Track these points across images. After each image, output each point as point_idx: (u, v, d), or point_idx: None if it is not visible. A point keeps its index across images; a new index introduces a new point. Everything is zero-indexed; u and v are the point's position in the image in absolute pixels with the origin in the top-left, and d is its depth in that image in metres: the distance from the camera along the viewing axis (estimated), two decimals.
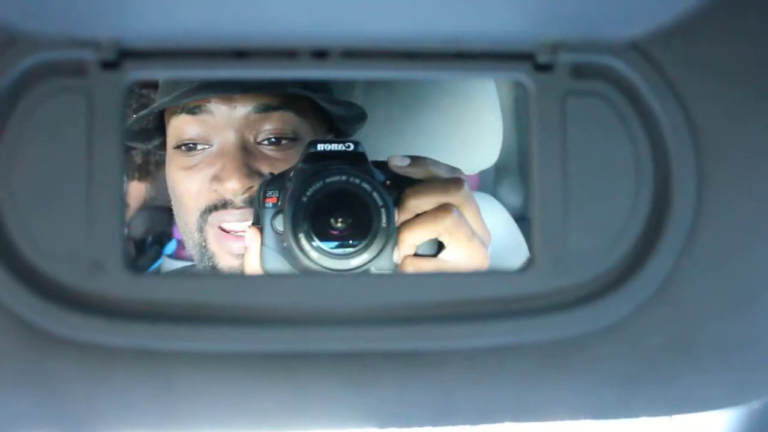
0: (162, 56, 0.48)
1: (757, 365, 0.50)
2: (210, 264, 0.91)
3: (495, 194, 1.66)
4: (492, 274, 0.58)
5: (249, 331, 0.47)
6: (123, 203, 0.48)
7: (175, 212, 0.97)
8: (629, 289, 0.48)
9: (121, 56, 0.47)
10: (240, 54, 0.47)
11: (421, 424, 0.49)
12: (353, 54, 0.47)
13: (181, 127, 0.91)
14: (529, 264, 0.48)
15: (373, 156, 0.72)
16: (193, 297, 0.47)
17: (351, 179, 0.67)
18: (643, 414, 0.50)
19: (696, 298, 0.49)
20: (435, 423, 0.49)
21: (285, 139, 0.90)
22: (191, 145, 0.90)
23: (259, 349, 0.47)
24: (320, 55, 0.47)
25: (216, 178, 0.88)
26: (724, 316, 0.49)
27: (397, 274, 0.66)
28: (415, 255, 0.70)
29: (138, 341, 0.46)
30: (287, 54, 0.47)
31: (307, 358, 0.47)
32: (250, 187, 0.87)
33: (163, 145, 0.97)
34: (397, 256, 0.69)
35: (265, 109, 0.88)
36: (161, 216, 1.65)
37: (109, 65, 0.47)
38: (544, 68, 0.48)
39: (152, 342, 0.46)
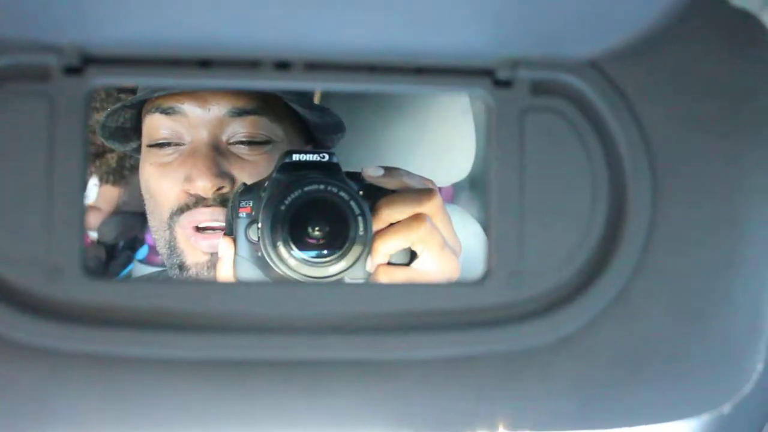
0: (126, 63, 0.48)
1: (709, 378, 0.51)
2: (178, 261, 0.91)
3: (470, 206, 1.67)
4: (449, 286, 0.59)
5: (206, 338, 0.47)
6: (83, 209, 0.48)
7: (147, 211, 0.97)
8: (583, 302, 0.49)
9: (85, 62, 0.47)
10: (204, 63, 0.48)
11: None
12: (316, 66, 0.48)
13: (155, 126, 0.91)
14: (484, 276, 0.48)
15: (346, 167, 0.72)
16: (153, 303, 0.47)
17: (329, 188, 0.68)
18: (597, 426, 0.51)
19: (649, 312, 0.50)
20: (393, 431, 0.49)
21: (257, 142, 0.90)
22: (164, 143, 0.91)
23: (215, 357, 0.47)
24: (283, 66, 0.48)
25: (187, 178, 0.88)
26: (677, 330, 0.50)
27: (359, 283, 0.67)
28: (389, 264, 0.71)
29: (93, 347, 0.46)
30: (250, 64, 0.48)
31: (262, 366, 0.48)
32: (221, 187, 0.88)
33: (139, 149, 0.97)
34: (371, 264, 0.69)
35: (240, 113, 0.89)
36: (134, 221, 1.65)
37: (72, 71, 0.47)
38: (504, 84, 0.49)
39: (108, 348, 0.46)
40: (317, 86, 0.76)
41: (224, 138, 0.90)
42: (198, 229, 0.89)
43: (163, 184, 0.91)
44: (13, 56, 0.47)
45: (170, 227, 0.91)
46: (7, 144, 0.47)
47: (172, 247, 0.91)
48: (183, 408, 0.48)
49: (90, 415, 0.47)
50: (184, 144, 0.90)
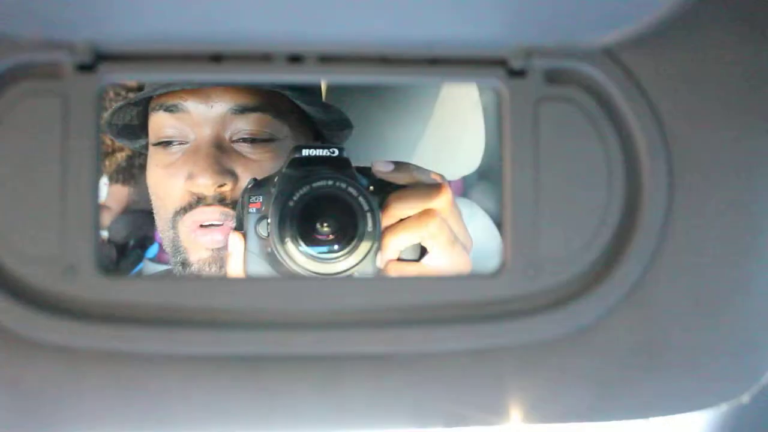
0: (137, 59, 0.48)
1: (727, 368, 0.51)
2: (181, 259, 0.91)
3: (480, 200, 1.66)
4: (464, 279, 0.58)
5: (222, 333, 0.47)
6: (97, 206, 0.48)
7: (154, 211, 0.98)
8: (599, 293, 0.48)
9: (97, 59, 0.47)
10: (215, 58, 0.48)
11: (393, 427, 0.49)
12: (328, 59, 0.48)
13: (159, 124, 0.91)
14: (500, 268, 0.48)
15: (356, 162, 0.72)
16: (168, 300, 0.47)
17: (338, 184, 0.67)
18: (613, 417, 0.51)
19: (665, 303, 0.49)
20: (407, 426, 0.49)
21: (260, 139, 0.90)
22: (168, 141, 0.91)
23: (228, 352, 0.47)
24: (296, 59, 0.48)
25: (189, 176, 0.88)
26: (693, 321, 0.50)
27: (370, 278, 0.66)
28: (399, 260, 0.71)
29: (110, 344, 0.46)
30: (263, 58, 0.48)
31: (280, 360, 0.48)
32: (222, 185, 0.88)
33: (147, 146, 0.98)
34: (381, 260, 0.69)
35: (243, 110, 0.89)
36: (143, 219, 1.65)
37: (84, 68, 0.47)
38: (518, 74, 0.48)
39: (124, 345, 0.46)
40: (330, 79, 0.76)
41: (227, 135, 0.89)
42: (200, 226, 0.89)
43: (167, 183, 0.91)
44: (26, 54, 0.47)
45: (174, 226, 0.91)
46: (20, 142, 0.47)
47: (176, 245, 0.92)
48: (197, 403, 0.48)
49: (105, 412, 0.47)
50: (188, 142, 0.90)
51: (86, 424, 0.47)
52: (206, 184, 0.87)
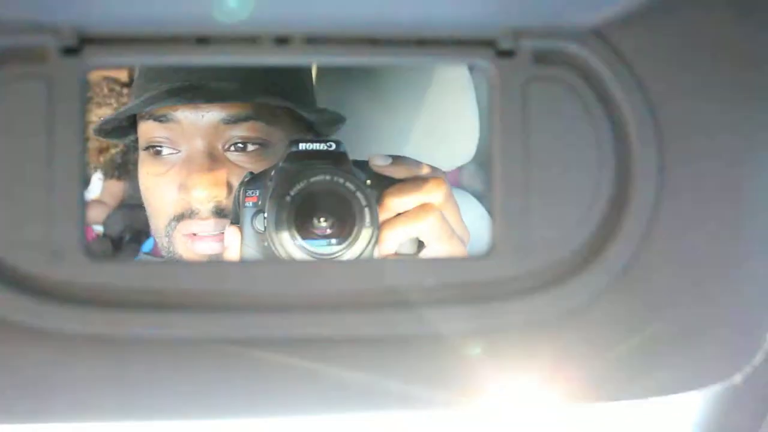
0: (123, 42, 0.47)
1: (718, 349, 0.51)
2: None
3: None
4: (454, 261, 0.58)
5: (213, 317, 0.46)
6: (83, 190, 0.47)
7: (147, 214, 0.97)
8: (590, 274, 0.48)
9: (82, 42, 0.47)
10: (202, 40, 0.47)
11: (386, 409, 0.49)
12: (315, 40, 0.47)
13: (149, 132, 0.91)
14: (490, 250, 0.48)
15: (350, 154, 0.72)
16: (157, 283, 0.47)
17: (335, 179, 0.67)
18: (605, 399, 0.51)
19: (658, 283, 0.49)
20: (400, 408, 0.49)
21: (253, 144, 0.89)
22: (159, 148, 0.90)
23: (223, 335, 0.47)
24: (282, 41, 0.47)
25: (183, 187, 0.88)
26: (685, 301, 0.50)
27: (361, 260, 0.66)
28: (396, 254, 0.71)
29: (99, 328, 0.46)
30: (249, 40, 0.47)
31: (272, 343, 0.47)
32: (217, 197, 0.87)
33: (138, 141, 0.97)
34: (378, 254, 0.69)
35: (235, 120, 0.88)
36: (139, 214, 1.64)
37: (69, 51, 0.47)
38: (506, 54, 0.48)
39: (114, 329, 0.46)
40: (318, 61, 0.75)
41: (220, 145, 0.89)
42: (194, 234, 0.89)
43: (159, 193, 0.90)
44: (10, 38, 0.46)
45: (167, 234, 0.91)
46: (5, 127, 0.47)
47: (171, 253, 0.91)
48: (188, 387, 0.47)
49: (94, 396, 0.47)
50: (179, 151, 0.89)
51: (75, 409, 0.47)
52: (200, 198, 0.87)
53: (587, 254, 0.49)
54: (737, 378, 0.50)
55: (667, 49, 0.50)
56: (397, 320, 0.48)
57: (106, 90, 1.96)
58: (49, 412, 0.47)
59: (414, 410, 0.49)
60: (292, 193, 0.67)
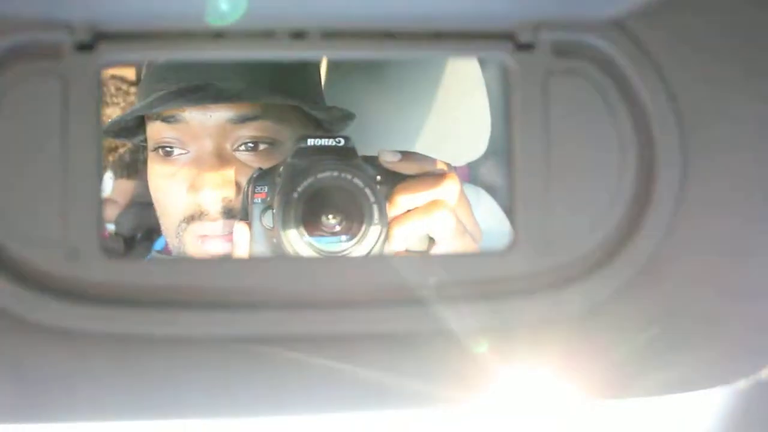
0: (138, 38, 0.47)
1: (744, 343, 0.50)
2: None
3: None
4: (474, 257, 0.57)
5: (228, 314, 0.46)
6: (100, 188, 0.47)
7: (157, 213, 0.97)
8: (613, 268, 0.47)
9: (96, 38, 0.46)
10: (217, 35, 0.47)
11: (404, 407, 0.48)
12: (332, 34, 0.47)
13: (157, 132, 0.90)
14: (510, 246, 0.47)
15: (359, 149, 0.71)
16: (172, 282, 0.47)
17: (343, 175, 0.66)
18: (630, 395, 0.50)
19: (681, 276, 0.48)
20: (418, 405, 0.48)
21: (262, 143, 0.89)
22: (168, 149, 0.89)
23: (237, 333, 0.46)
24: (298, 35, 0.47)
25: (192, 188, 0.87)
26: (707, 297, 0.49)
27: (379, 257, 0.66)
28: (406, 251, 0.70)
29: (115, 327, 0.46)
30: (265, 34, 0.47)
31: (288, 341, 0.47)
32: (226, 197, 0.87)
33: (147, 140, 0.97)
34: (388, 251, 0.68)
35: (243, 119, 0.87)
36: (150, 212, 1.64)
37: (83, 47, 0.46)
38: (526, 47, 0.47)
39: (129, 327, 0.46)
40: (334, 55, 0.75)
41: (228, 145, 0.88)
42: (205, 235, 0.89)
43: (169, 194, 0.90)
44: (25, 34, 0.46)
45: (178, 235, 0.91)
46: (21, 125, 0.46)
47: (182, 253, 0.91)
48: (203, 385, 0.47)
49: (110, 394, 0.47)
50: (188, 152, 0.89)
51: (91, 407, 0.46)
52: (210, 199, 0.86)
53: (610, 247, 0.48)
54: (766, 373, 0.49)
55: (689, 41, 0.49)
56: (416, 317, 0.47)
57: (113, 89, 1.96)
58: (65, 410, 0.46)
59: (434, 407, 0.49)
60: (299, 189, 0.66)
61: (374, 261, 0.58)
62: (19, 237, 0.46)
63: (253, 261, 0.64)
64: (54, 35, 0.46)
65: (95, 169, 0.46)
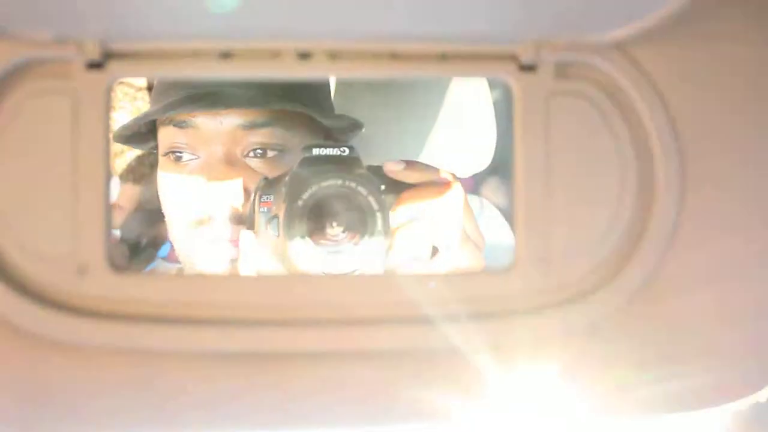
0: (147, 57, 0.48)
1: (743, 364, 0.50)
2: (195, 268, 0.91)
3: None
4: (476, 275, 0.58)
5: (233, 330, 0.47)
6: (109, 204, 0.48)
7: (166, 218, 0.98)
8: (613, 287, 0.48)
9: (106, 57, 0.47)
10: (225, 55, 0.48)
11: (405, 424, 0.49)
12: (337, 54, 0.47)
13: (169, 137, 0.91)
14: (512, 264, 0.48)
15: (366, 160, 0.72)
16: (179, 297, 0.47)
17: (347, 183, 0.67)
18: (630, 414, 0.50)
19: (679, 297, 0.49)
20: (419, 422, 0.49)
21: (271, 150, 0.90)
22: (179, 154, 0.90)
23: (243, 349, 0.47)
24: (304, 55, 0.47)
25: (201, 193, 0.88)
26: (708, 314, 0.49)
27: (381, 275, 0.66)
28: (410, 259, 0.70)
29: (123, 341, 0.46)
30: (272, 54, 0.47)
31: (291, 357, 0.47)
32: (234, 203, 0.87)
33: (157, 147, 0.98)
34: (391, 259, 0.69)
35: (252, 125, 0.88)
36: (156, 218, 1.65)
37: (93, 66, 0.47)
38: (528, 68, 0.48)
39: (137, 342, 0.46)
40: (340, 75, 0.75)
41: (238, 151, 0.89)
42: (213, 241, 0.89)
43: (177, 199, 0.91)
44: (35, 53, 0.47)
45: (186, 239, 0.91)
46: (31, 141, 0.47)
47: (188, 258, 0.92)
48: (209, 400, 0.48)
49: (117, 409, 0.47)
50: (198, 157, 0.90)
51: (98, 422, 0.47)
52: (218, 204, 0.87)
53: (610, 267, 0.48)
54: (764, 394, 0.49)
55: (689, 64, 0.49)
56: (417, 335, 0.48)
57: (120, 94, 1.97)
58: (74, 425, 0.47)
59: (435, 424, 0.49)
60: (304, 197, 0.67)
61: (377, 279, 0.59)
62: (28, 252, 0.46)
63: (259, 278, 0.65)
64: (64, 53, 0.47)
65: (103, 186, 0.47)
